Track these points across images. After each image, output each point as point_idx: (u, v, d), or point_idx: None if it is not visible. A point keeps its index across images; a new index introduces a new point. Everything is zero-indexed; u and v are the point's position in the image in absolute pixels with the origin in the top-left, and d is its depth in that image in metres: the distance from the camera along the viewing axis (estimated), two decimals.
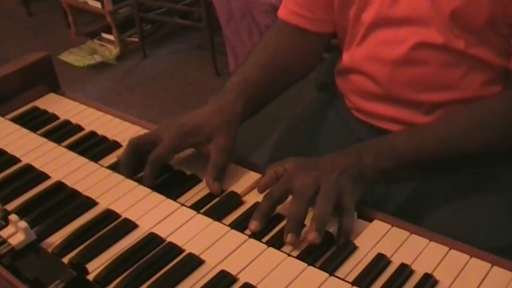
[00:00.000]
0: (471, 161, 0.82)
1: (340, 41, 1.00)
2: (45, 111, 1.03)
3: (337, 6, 0.95)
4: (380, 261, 0.65)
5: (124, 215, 0.76)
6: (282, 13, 1.01)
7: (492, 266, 0.63)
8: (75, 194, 0.81)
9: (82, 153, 0.89)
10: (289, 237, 0.68)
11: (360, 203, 0.74)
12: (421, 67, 0.88)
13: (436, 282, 0.62)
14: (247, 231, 0.71)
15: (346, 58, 0.98)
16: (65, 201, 0.79)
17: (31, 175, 0.86)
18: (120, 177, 0.83)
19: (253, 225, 0.71)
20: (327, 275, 0.63)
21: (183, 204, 0.76)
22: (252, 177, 0.81)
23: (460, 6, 0.81)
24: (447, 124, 0.81)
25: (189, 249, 0.69)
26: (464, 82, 0.87)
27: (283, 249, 0.68)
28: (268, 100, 0.96)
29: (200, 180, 0.82)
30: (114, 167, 0.85)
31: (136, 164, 0.83)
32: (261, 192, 0.76)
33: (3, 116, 1.02)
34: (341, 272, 0.64)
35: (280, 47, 0.99)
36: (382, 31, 0.90)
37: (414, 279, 0.63)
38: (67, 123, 0.99)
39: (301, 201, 0.70)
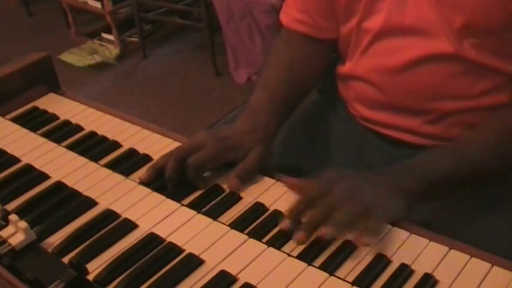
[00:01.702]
0: (500, 173, 0.83)
1: (342, 49, 0.99)
2: (45, 111, 1.03)
3: (341, 14, 0.94)
4: (380, 261, 0.65)
5: (124, 215, 0.75)
6: (285, 20, 1.01)
7: (492, 266, 0.63)
8: (75, 194, 0.81)
9: (82, 153, 0.89)
10: (299, 237, 0.68)
11: None
12: (429, 77, 0.87)
13: (436, 282, 0.62)
14: (247, 231, 0.71)
15: (349, 66, 0.97)
16: (65, 201, 0.79)
17: (31, 175, 0.86)
18: (120, 177, 0.83)
19: (285, 225, 0.70)
20: (327, 275, 0.63)
21: (183, 204, 0.76)
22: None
23: (470, 19, 0.80)
24: (477, 142, 0.82)
25: (189, 249, 0.69)
26: (473, 90, 0.86)
27: (283, 249, 0.68)
28: (293, 109, 0.98)
29: None
30: (113, 166, 0.85)
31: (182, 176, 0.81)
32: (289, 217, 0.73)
33: (3, 116, 1.02)
34: (341, 272, 0.64)
35: (295, 58, 0.99)
36: (388, 40, 0.89)
37: (414, 279, 0.63)
38: (67, 123, 0.99)
39: (323, 211, 0.69)
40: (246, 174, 0.80)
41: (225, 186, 0.80)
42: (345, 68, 0.99)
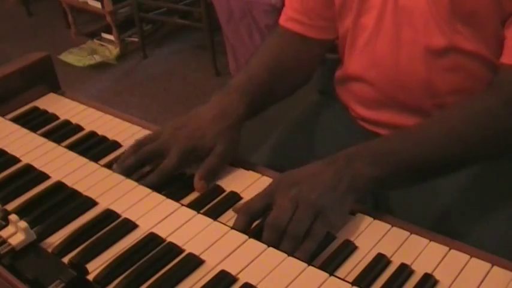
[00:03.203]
0: (466, 162, 0.80)
1: (340, 48, 0.99)
2: (45, 111, 1.03)
3: (337, 13, 0.94)
4: (380, 261, 0.65)
5: (124, 215, 0.75)
6: (281, 19, 1.01)
7: (492, 266, 0.63)
8: (75, 194, 0.81)
9: (82, 153, 0.89)
10: None
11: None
12: (427, 73, 0.86)
13: (436, 282, 0.62)
14: (247, 231, 0.71)
15: (347, 66, 0.97)
16: (65, 201, 0.79)
17: (31, 175, 0.86)
18: (120, 177, 0.83)
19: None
20: (327, 275, 0.63)
21: (183, 204, 0.76)
22: (251, 177, 0.81)
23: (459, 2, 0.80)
24: (441, 125, 0.78)
25: (189, 249, 0.69)
26: (470, 85, 0.86)
27: None
28: (271, 101, 0.96)
29: None
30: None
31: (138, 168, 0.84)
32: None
33: (3, 116, 1.02)
34: (341, 272, 0.64)
35: (283, 50, 0.98)
36: (383, 37, 0.89)
37: (414, 279, 0.63)
38: (67, 123, 0.99)
39: (274, 232, 0.68)
40: (208, 174, 0.81)
41: (224, 186, 0.80)
42: (343, 68, 0.98)
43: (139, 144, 0.85)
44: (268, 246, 0.68)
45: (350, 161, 0.73)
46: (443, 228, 0.69)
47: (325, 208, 0.69)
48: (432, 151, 0.76)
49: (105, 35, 3.30)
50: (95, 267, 0.68)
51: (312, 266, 0.65)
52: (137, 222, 0.74)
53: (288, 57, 0.98)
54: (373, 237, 0.69)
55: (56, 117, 1.01)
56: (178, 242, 0.70)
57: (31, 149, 0.92)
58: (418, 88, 0.88)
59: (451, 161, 0.78)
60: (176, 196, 0.78)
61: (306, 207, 0.69)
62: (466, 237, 0.69)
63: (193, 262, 0.67)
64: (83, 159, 0.88)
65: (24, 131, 0.97)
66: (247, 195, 0.78)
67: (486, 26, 0.81)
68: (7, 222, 0.72)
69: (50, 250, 0.71)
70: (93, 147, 0.91)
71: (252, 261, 0.66)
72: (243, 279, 0.64)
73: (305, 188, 0.70)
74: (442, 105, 0.88)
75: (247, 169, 0.83)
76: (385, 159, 0.74)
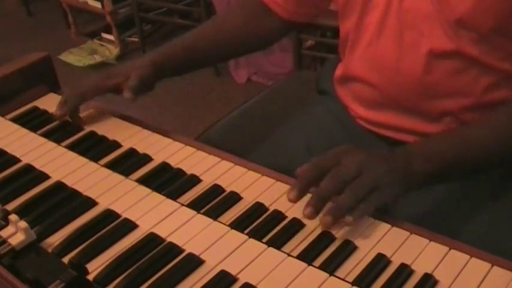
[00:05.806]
0: (509, 161, 0.83)
1: (341, 48, 0.99)
2: (45, 111, 1.03)
3: (339, 11, 0.94)
4: (380, 261, 0.65)
5: (124, 215, 0.76)
6: None
7: (492, 266, 0.63)
8: (75, 194, 0.81)
9: (82, 153, 0.89)
10: (307, 211, 0.68)
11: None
12: (429, 75, 0.86)
13: (436, 282, 0.62)
14: (247, 231, 0.71)
15: (348, 66, 0.96)
16: (65, 201, 0.79)
17: (31, 175, 0.86)
18: (120, 177, 0.83)
19: (292, 195, 0.70)
20: (327, 275, 0.63)
21: (183, 204, 0.76)
22: (251, 177, 0.81)
23: (466, 14, 0.79)
24: (487, 127, 0.82)
25: (189, 249, 0.69)
26: (474, 88, 0.86)
27: (283, 249, 0.68)
28: (197, 65, 1.13)
29: (200, 180, 0.82)
30: (113, 166, 0.85)
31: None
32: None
33: (3, 116, 1.02)
34: (341, 272, 0.64)
35: (235, 20, 1.06)
36: (386, 38, 0.88)
37: (414, 279, 0.63)
38: (67, 123, 0.99)
39: (334, 181, 0.70)
40: (134, 89, 0.91)
41: (225, 186, 0.80)
42: (343, 68, 0.98)
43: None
44: (269, 246, 0.68)
45: (408, 158, 0.76)
46: (437, 227, 0.70)
47: (385, 185, 0.71)
48: (478, 150, 0.80)
49: (105, 35, 3.30)
50: (95, 267, 0.68)
51: (312, 266, 0.65)
52: (137, 222, 0.74)
53: (243, 26, 1.05)
54: (373, 237, 0.69)
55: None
56: (178, 242, 0.70)
57: (31, 149, 0.92)
58: (419, 90, 0.88)
59: (495, 159, 0.82)
60: (176, 196, 0.78)
61: (372, 175, 0.71)
62: (459, 236, 0.70)
63: (193, 262, 0.67)
64: (83, 159, 0.88)
65: (24, 131, 0.97)
66: (247, 195, 0.78)
67: (492, 34, 0.81)
68: (7, 222, 0.72)
69: (50, 250, 0.71)
70: (93, 147, 0.91)
71: (252, 261, 0.66)
72: (243, 279, 0.64)
73: (373, 160, 0.73)
74: (443, 108, 0.88)
75: (247, 169, 0.83)
76: (436, 157, 0.78)
